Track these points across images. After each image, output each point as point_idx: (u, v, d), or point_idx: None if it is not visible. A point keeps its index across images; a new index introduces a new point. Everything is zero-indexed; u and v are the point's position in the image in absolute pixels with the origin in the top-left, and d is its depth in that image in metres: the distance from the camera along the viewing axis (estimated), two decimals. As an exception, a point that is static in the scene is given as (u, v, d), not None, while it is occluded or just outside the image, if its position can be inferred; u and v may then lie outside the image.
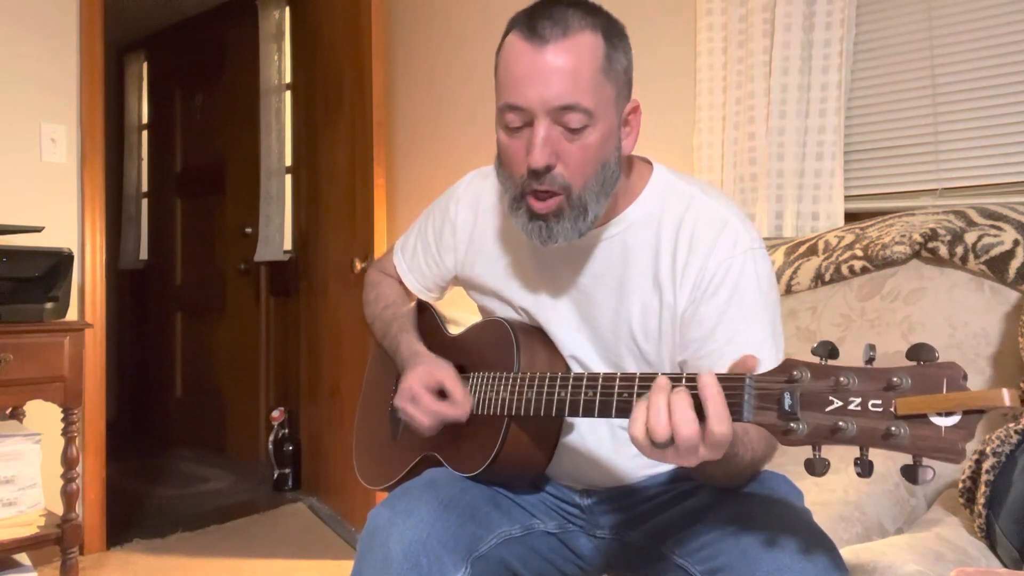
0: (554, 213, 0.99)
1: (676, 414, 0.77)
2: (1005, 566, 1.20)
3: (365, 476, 1.34)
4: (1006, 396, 0.62)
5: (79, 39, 2.64)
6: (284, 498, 3.34)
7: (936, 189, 1.91)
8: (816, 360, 0.74)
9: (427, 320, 1.32)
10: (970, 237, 1.62)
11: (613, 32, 0.99)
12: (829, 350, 0.73)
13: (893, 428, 0.67)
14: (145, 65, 4.68)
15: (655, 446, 0.79)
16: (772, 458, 0.99)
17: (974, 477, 1.28)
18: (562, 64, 0.94)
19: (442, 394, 1.11)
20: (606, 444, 1.12)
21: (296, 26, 3.65)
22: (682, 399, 0.78)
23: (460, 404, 1.09)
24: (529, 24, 0.96)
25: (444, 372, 1.11)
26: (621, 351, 1.09)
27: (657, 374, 0.84)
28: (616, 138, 1.00)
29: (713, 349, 0.99)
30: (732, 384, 0.77)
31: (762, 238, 1.10)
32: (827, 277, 1.82)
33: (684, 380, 0.81)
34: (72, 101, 2.63)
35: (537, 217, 1.00)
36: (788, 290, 1.88)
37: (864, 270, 1.77)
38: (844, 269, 1.79)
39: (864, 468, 0.71)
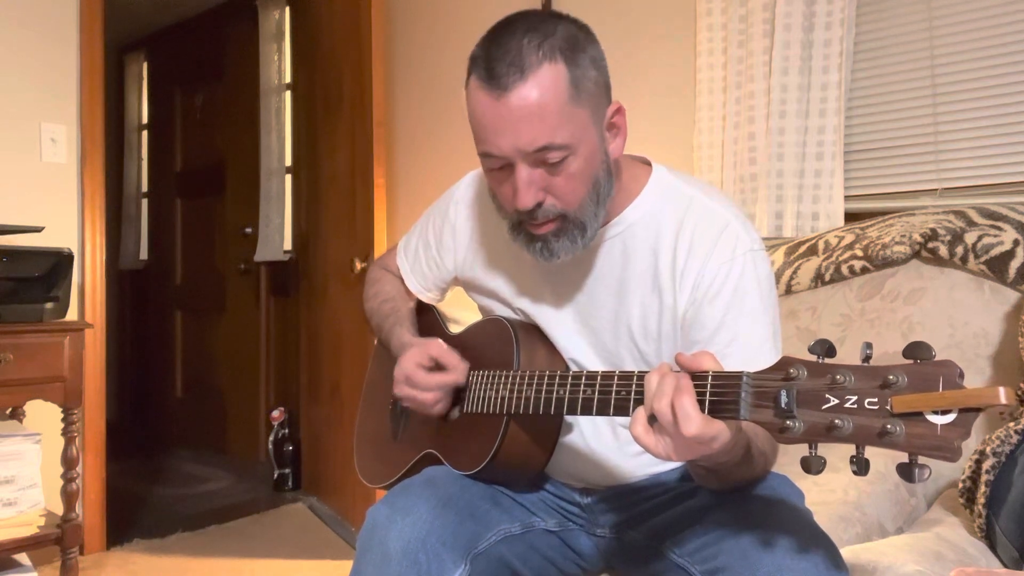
0: (553, 233, 0.99)
1: (655, 394, 0.79)
2: (1005, 566, 1.20)
3: (365, 474, 1.34)
4: (1002, 394, 0.62)
5: (79, 39, 2.64)
6: (284, 498, 3.34)
7: (936, 189, 1.91)
8: (813, 358, 0.74)
9: (428, 319, 1.32)
10: (970, 237, 1.62)
11: (574, 48, 0.94)
12: (826, 348, 0.73)
13: (889, 426, 0.67)
14: (145, 65, 4.68)
15: (651, 421, 0.80)
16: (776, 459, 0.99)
17: (974, 477, 1.28)
18: (527, 110, 0.91)
19: (437, 369, 1.12)
20: (607, 443, 1.12)
21: (296, 26, 3.65)
22: (666, 381, 0.79)
23: (455, 368, 1.10)
24: (487, 68, 0.93)
25: (433, 346, 1.12)
26: (621, 352, 1.09)
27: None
28: (602, 151, 0.99)
29: (715, 351, 0.98)
30: (729, 382, 0.77)
31: (762, 239, 1.10)
32: (827, 277, 1.82)
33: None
34: (72, 101, 2.63)
35: (537, 239, 1.00)
36: (788, 290, 1.88)
37: (864, 270, 1.77)
38: (844, 269, 1.79)
39: (860, 466, 0.71)
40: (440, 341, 1.13)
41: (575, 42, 0.95)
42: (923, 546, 1.18)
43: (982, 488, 1.24)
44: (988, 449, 1.25)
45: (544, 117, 0.92)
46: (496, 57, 0.93)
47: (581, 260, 1.08)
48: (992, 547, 1.23)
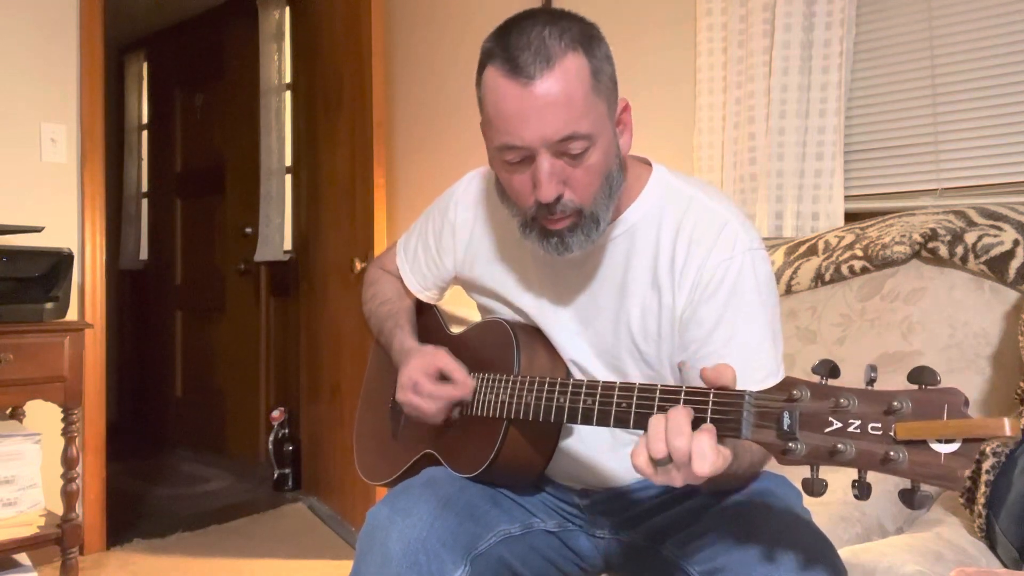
0: (568, 228, 0.99)
1: (671, 430, 0.76)
2: (1005, 566, 1.20)
3: (366, 472, 1.34)
4: (1007, 426, 0.61)
5: (79, 39, 2.64)
6: (284, 498, 3.34)
7: (936, 189, 1.91)
8: (816, 379, 0.73)
9: (429, 319, 1.32)
10: (970, 237, 1.62)
11: (591, 41, 0.95)
12: (830, 369, 0.72)
13: (892, 452, 0.67)
14: (145, 65, 4.67)
15: (656, 464, 0.78)
16: (769, 461, 0.99)
17: (974, 477, 1.28)
18: (554, 98, 0.91)
19: (443, 381, 1.11)
20: (606, 445, 1.12)
21: (296, 26, 3.65)
22: (680, 416, 0.77)
23: (462, 383, 1.09)
24: (508, 58, 0.92)
25: (440, 357, 1.11)
26: (621, 353, 1.09)
27: (657, 386, 0.84)
28: (615, 146, 0.99)
29: (712, 350, 0.99)
30: (731, 401, 0.77)
31: (762, 239, 1.10)
32: (827, 277, 1.82)
33: (683, 395, 0.80)
34: (72, 101, 2.63)
35: (552, 234, 1.00)
36: (788, 290, 1.88)
37: (864, 270, 1.77)
38: (844, 269, 1.79)
39: (862, 491, 0.70)
40: (447, 352, 1.12)
41: (590, 34, 0.96)
42: (923, 546, 1.18)
43: (982, 488, 1.24)
44: (988, 449, 1.25)
45: (570, 106, 0.92)
46: (519, 47, 0.92)
47: (583, 260, 1.08)
48: (992, 547, 1.23)
